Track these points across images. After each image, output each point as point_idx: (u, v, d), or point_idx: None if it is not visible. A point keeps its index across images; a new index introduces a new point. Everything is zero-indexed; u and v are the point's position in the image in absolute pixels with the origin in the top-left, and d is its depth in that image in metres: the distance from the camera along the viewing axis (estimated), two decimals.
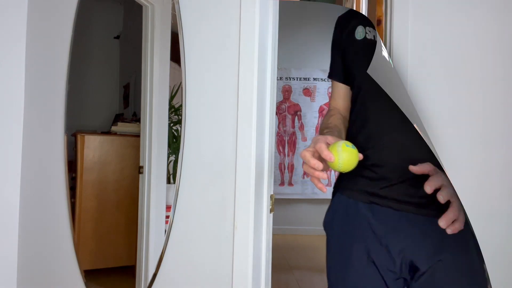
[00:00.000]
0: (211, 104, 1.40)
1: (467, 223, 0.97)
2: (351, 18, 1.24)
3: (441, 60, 1.60)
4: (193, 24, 1.43)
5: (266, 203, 1.31)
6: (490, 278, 1.51)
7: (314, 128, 4.62)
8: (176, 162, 1.50)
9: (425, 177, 0.91)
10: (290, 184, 4.58)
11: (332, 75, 1.22)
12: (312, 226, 4.66)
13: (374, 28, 1.24)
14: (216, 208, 1.31)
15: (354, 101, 1.14)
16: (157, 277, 1.39)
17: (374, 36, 1.20)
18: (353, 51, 1.16)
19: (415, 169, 0.92)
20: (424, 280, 0.99)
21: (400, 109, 0.94)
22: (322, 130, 1.10)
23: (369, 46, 1.16)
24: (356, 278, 1.01)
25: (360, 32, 1.19)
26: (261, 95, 1.36)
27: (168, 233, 1.36)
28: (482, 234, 1.55)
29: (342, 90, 1.21)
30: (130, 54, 1.77)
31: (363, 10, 2.24)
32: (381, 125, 1.07)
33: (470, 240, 1.04)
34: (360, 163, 0.88)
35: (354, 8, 2.41)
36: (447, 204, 0.90)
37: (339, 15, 1.27)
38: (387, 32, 1.54)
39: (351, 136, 1.10)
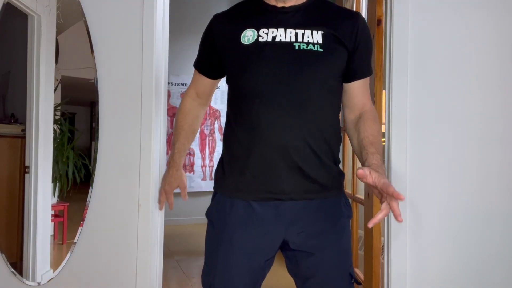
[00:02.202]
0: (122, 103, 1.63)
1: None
2: None
3: (440, 60, 1.64)
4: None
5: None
6: (489, 278, 1.66)
7: None
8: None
9: None
10: None
11: None
12: (189, 216, 4.97)
13: None
14: (124, 192, 1.66)
15: None
16: (78, 243, 1.65)
17: None
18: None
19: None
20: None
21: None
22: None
23: None
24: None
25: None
26: (158, 101, 1.71)
27: (86, 208, 1.65)
28: (482, 234, 1.65)
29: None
30: None
31: (363, 10, 2.26)
32: None
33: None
34: None
35: (354, 8, 2.30)
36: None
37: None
38: (387, 32, 1.64)
39: None
